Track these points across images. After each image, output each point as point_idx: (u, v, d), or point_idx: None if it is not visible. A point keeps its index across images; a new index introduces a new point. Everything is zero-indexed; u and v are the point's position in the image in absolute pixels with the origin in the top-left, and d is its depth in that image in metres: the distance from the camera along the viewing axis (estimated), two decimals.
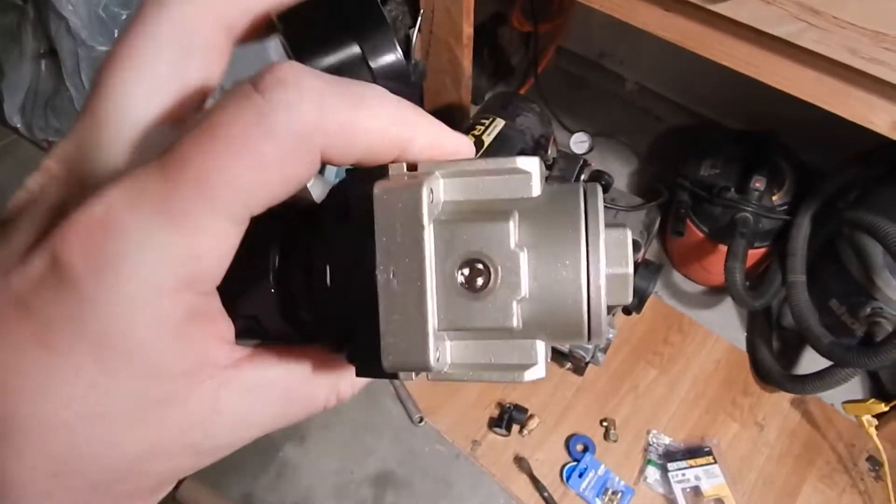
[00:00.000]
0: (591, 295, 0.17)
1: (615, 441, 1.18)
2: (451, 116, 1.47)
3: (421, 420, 1.21)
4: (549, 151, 1.08)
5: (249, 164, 0.16)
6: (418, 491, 1.15)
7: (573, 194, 0.18)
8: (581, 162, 1.05)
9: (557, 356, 1.24)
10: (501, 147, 1.10)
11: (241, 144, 0.16)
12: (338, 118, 0.17)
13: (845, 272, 1.12)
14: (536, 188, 0.17)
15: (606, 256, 0.17)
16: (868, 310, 1.08)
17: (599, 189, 0.18)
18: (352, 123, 0.17)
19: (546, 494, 1.11)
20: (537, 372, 0.18)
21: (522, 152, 1.12)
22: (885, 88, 0.78)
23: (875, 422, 1.08)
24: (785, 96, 0.87)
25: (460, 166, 0.18)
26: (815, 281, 1.14)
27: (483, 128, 1.12)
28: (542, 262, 0.17)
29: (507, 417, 1.18)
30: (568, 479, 1.13)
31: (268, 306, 0.20)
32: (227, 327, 0.19)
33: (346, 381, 0.22)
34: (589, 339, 0.17)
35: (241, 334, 0.19)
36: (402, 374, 0.17)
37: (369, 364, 0.18)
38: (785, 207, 1.21)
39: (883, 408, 1.06)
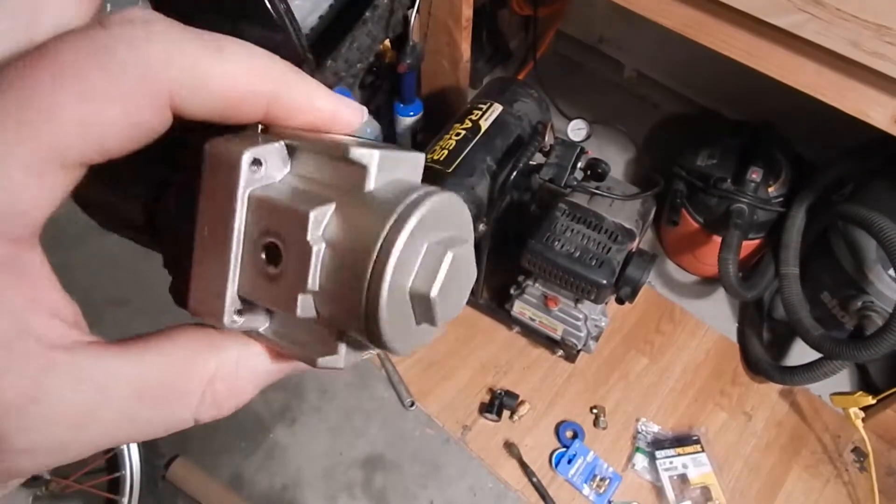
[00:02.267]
0: (370, 309, 0.16)
1: (604, 428, 1.19)
2: (449, 99, 1.46)
3: (412, 404, 1.21)
4: (547, 138, 1.07)
5: (79, 95, 0.14)
6: (407, 474, 1.16)
7: (393, 203, 0.17)
8: (578, 149, 1.05)
9: (549, 342, 1.24)
10: (499, 132, 1.09)
11: (72, 73, 0.14)
12: (188, 60, 0.15)
13: (838, 265, 1.13)
14: (370, 184, 0.17)
15: (409, 272, 0.17)
16: (859, 303, 1.09)
17: (433, 200, 0.17)
18: (204, 67, 0.15)
19: (535, 480, 1.12)
20: (333, 362, 0.18)
21: (520, 138, 1.11)
22: (884, 82, 0.77)
23: (862, 414, 1.09)
24: (782, 87, 0.87)
25: (315, 142, 0.18)
26: (808, 273, 1.14)
27: (480, 112, 1.10)
28: (335, 261, 0.16)
29: (498, 403, 1.18)
30: (557, 464, 1.14)
31: (138, 190, 0.20)
32: (61, 301, 0.16)
33: (224, 383, 0.18)
34: (380, 346, 0.17)
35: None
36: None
37: (181, 301, 0.18)
38: (780, 199, 1.21)
39: (870, 400, 1.07)
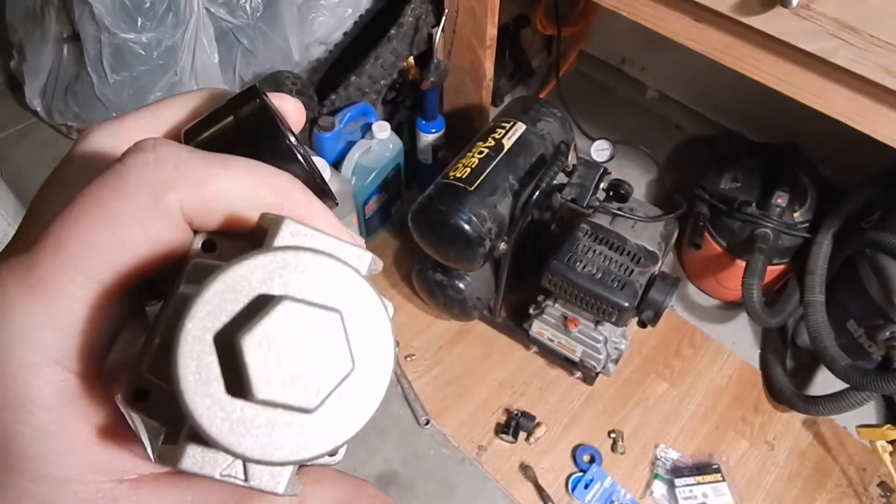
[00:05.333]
0: (172, 368, 0.14)
1: (622, 453, 1.17)
2: (471, 117, 1.46)
3: (427, 423, 1.20)
4: (570, 158, 1.07)
5: (102, 223, 0.16)
6: (421, 493, 1.14)
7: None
8: (601, 170, 1.04)
9: (567, 364, 1.23)
10: (522, 151, 1.09)
11: (94, 206, 0.16)
12: (195, 175, 0.17)
13: (865, 293, 1.10)
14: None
15: (220, 318, 0.15)
16: (887, 333, 1.07)
17: (298, 256, 0.15)
18: (210, 180, 0.17)
19: None
20: (171, 455, 0.16)
21: (543, 158, 1.10)
22: None
23: (889, 448, 1.06)
24: (807, 110, 0.86)
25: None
26: (834, 301, 1.12)
27: (504, 131, 1.10)
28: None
29: (515, 424, 1.17)
30: (573, 489, 1.12)
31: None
32: (125, 431, 0.17)
33: None
34: (195, 427, 0.15)
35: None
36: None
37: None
38: (806, 225, 1.19)
39: None
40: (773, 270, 1.23)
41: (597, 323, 1.10)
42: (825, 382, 1.22)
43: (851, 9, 0.73)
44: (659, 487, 1.13)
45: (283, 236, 0.16)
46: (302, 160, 0.20)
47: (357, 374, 0.16)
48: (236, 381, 0.14)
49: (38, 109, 1.54)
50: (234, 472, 0.16)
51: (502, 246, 1.05)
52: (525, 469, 1.15)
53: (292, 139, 0.20)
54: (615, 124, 1.61)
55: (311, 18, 1.40)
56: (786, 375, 1.23)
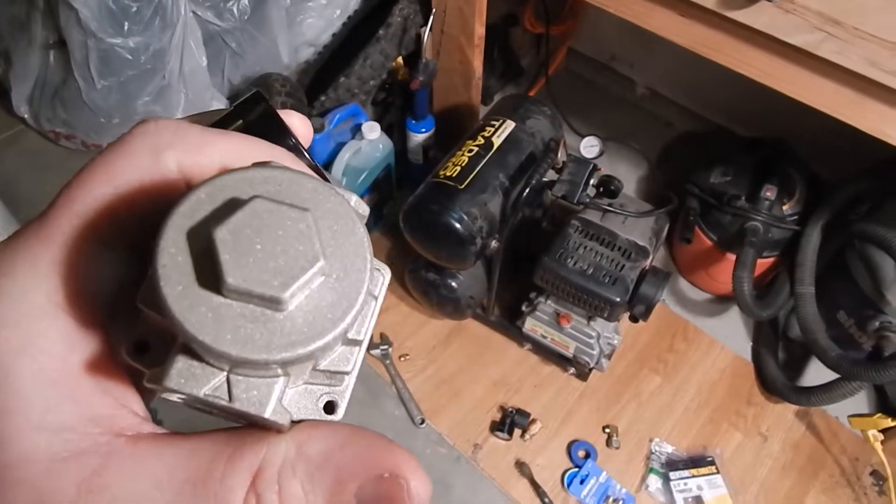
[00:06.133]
0: (153, 271, 0.15)
1: (617, 448, 1.17)
2: (461, 116, 1.46)
3: (422, 422, 1.20)
4: (560, 155, 1.07)
5: (106, 177, 0.17)
6: None
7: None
8: (591, 166, 1.04)
9: (561, 360, 1.23)
10: (511, 149, 1.09)
11: (101, 167, 0.18)
12: (193, 140, 0.18)
13: (854, 285, 1.11)
14: None
15: (196, 217, 0.16)
16: (877, 324, 1.07)
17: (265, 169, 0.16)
18: (207, 145, 0.18)
19: (547, 500, 1.10)
20: (157, 377, 0.16)
21: (532, 155, 1.11)
22: None
23: (881, 437, 1.07)
24: (795, 105, 0.86)
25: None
26: (824, 293, 1.13)
27: (493, 129, 1.11)
28: None
29: (509, 422, 1.17)
30: (569, 485, 1.12)
31: None
32: (128, 389, 0.17)
33: (267, 479, 0.17)
34: (176, 327, 0.15)
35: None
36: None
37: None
38: (795, 217, 1.20)
39: (889, 423, 1.05)
40: (764, 263, 1.24)
41: (589, 319, 1.11)
42: (817, 373, 1.23)
43: (834, 2, 0.74)
44: (654, 481, 1.14)
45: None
46: (308, 158, 0.21)
47: (329, 273, 0.16)
48: (210, 274, 0.15)
49: (26, 116, 1.53)
50: (218, 392, 0.16)
51: (494, 244, 1.05)
52: (521, 466, 1.15)
53: (297, 140, 0.21)
54: (605, 121, 1.62)
55: (299, 20, 1.39)
56: (778, 367, 1.24)
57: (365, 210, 0.18)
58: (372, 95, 1.40)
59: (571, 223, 1.05)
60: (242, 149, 0.19)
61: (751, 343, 1.33)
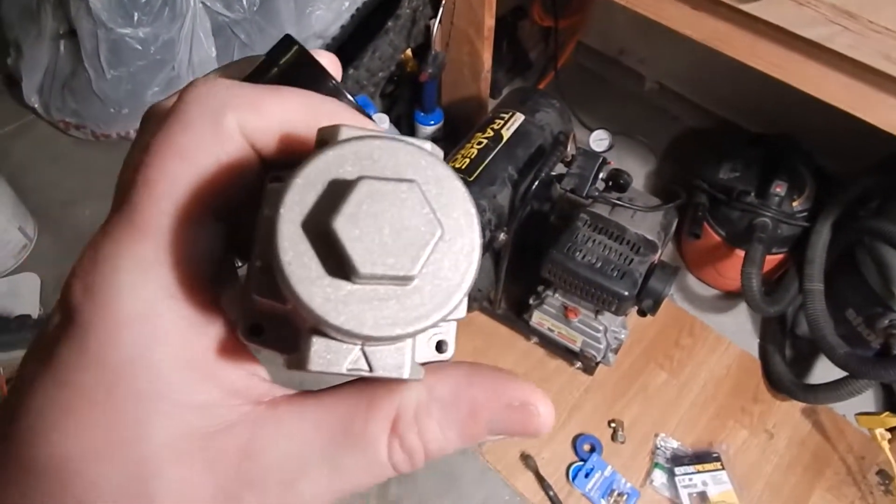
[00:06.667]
0: (273, 253, 0.15)
1: (623, 442, 1.17)
2: (469, 109, 1.46)
3: None
4: (569, 148, 1.07)
5: (177, 155, 0.17)
6: (422, 485, 1.15)
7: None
8: (600, 160, 1.04)
9: (567, 354, 1.23)
10: (520, 142, 1.09)
11: (167, 144, 0.17)
12: (249, 98, 0.18)
13: (863, 282, 1.11)
14: None
15: (308, 206, 0.16)
16: (886, 321, 1.07)
17: (364, 141, 0.16)
18: (264, 103, 0.18)
19: (551, 493, 1.11)
20: (298, 362, 0.17)
21: (541, 148, 1.10)
22: None
23: (888, 435, 1.06)
24: (805, 99, 0.86)
25: None
26: (833, 290, 1.12)
27: (502, 122, 1.10)
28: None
29: None
30: (574, 478, 1.13)
31: None
32: (252, 358, 0.18)
33: (407, 424, 0.18)
34: (303, 311, 0.16)
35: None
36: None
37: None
38: (804, 214, 1.19)
39: None
40: (772, 260, 1.24)
41: (597, 313, 1.10)
42: (824, 371, 1.22)
43: None
44: (659, 476, 1.14)
45: (345, 133, 0.17)
46: (349, 98, 0.21)
47: (447, 239, 0.16)
48: (337, 263, 0.15)
49: (36, 106, 1.54)
50: (358, 365, 0.17)
51: (502, 237, 1.05)
52: (526, 459, 1.15)
53: (336, 81, 0.21)
54: (614, 115, 1.61)
55: (308, 12, 1.39)
56: (785, 364, 1.24)
57: (440, 153, 0.18)
58: (381, 87, 1.40)
59: (580, 217, 1.05)
60: (299, 107, 0.19)
61: (758, 340, 1.33)
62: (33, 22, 1.43)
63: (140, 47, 1.32)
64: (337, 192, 0.15)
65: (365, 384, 0.19)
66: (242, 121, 0.18)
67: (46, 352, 0.16)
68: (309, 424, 0.18)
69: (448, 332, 0.20)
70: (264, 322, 0.18)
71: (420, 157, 0.17)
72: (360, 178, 0.15)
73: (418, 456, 0.18)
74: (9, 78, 1.61)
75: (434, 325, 0.16)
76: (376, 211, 0.15)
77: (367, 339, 0.16)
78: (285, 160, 0.19)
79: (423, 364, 0.19)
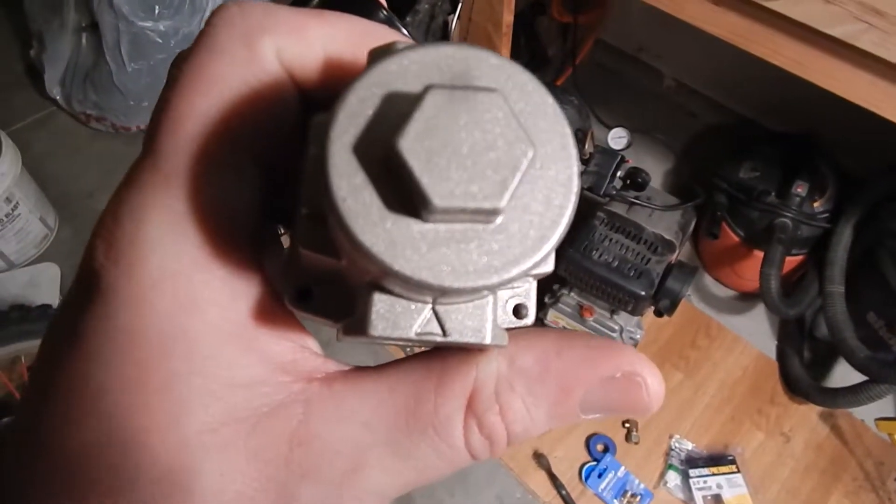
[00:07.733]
0: (324, 183, 0.13)
1: (636, 443, 1.17)
2: None
3: None
4: (587, 146, 1.06)
5: (206, 87, 0.15)
6: (434, 481, 1.15)
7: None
8: (619, 158, 1.03)
9: None
10: None
11: (195, 73, 0.15)
12: (288, 21, 0.15)
13: (885, 285, 1.09)
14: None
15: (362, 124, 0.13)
16: None
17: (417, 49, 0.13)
18: (306, 26, 0.15)
19: (564, 492, 1.10)
20: (357, 325, 0.14)
21: None
22: None
23: None
24: (826, 98, 0.84)
25: None
26: (853, 292, 1.11)
27: None
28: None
29: None
30: (587, 478, 1.12)
31: None
32: (300, 328, 0.16)
33: (486, 402, 0.15)
34: (359, 252, 0.13)
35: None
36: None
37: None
38: (826, 215, 1.18)
39: None
40: (792, 261, 1.22)
41: (612, 312, 1.10)
42: (843, 375, 1.20)
43: None
44: (673, 478, 1.13)
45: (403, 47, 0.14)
46: (406, 32, 0.18)
47: (538, 166, 0.13)
48: (404, 197, 0.12)
49: (58, 98, 1.56)
50: (430, 328, 0.14)
51: None
52: (539, 457, 1.15)
53: (389, 12, 0.19)
54: (631, 113, 1.60)
55: None
56: (803, 367, 1.22)
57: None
58: None
59: (597, 215, 1.04)
60: (347, 33, 0.16)
61: (775, 341, 1.31)
62: (56, 14, 1.45)
63: (161, 40, 1.34)
64: (400, 109, 0.12)
65: (434, 355, 0.16)
66: (281, 46, 0.15)
67: (70, 326, 0.14)
68: (370, 405, 0.15)
69: (528, 294, 0.16)
70: (313, 285, 0.15)
71: (501, 65, 0.13)
72: (428, 88, 0.12)
73: (500, 440, 0.15)
74: (31, 69, 1.64)
75: (524, 276, 0.13)
76: (451, 127, 0.12)
77: (442, 293, 0.13)
78: (330, 96, 0.15)
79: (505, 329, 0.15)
